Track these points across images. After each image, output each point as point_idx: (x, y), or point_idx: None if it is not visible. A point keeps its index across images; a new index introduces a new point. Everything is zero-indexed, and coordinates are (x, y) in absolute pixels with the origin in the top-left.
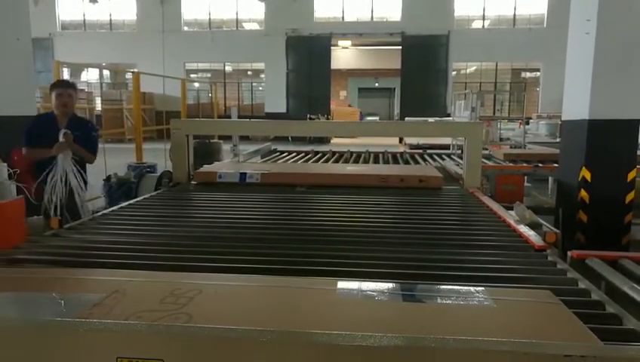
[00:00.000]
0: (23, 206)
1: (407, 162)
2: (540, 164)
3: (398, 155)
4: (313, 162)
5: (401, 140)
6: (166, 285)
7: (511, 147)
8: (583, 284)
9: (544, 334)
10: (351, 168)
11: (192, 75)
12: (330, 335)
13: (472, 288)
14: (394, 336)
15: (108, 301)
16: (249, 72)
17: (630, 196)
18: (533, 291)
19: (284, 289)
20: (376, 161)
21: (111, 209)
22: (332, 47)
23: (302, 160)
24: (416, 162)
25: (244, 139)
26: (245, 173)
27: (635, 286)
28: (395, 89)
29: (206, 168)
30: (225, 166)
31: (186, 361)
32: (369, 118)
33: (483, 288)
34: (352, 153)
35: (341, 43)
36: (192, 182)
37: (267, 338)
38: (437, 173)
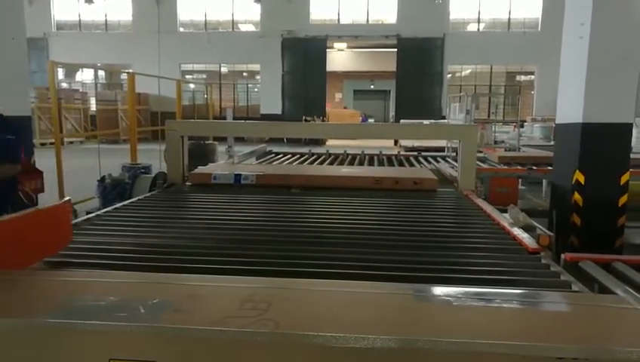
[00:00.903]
0: (70, 208)
1: (401, 164)
2: (534, 167)
3: (393, 157)
4: (308, 164)
5: (396, 143)
6: (239, 290)
7: (505, 150)
8: (576, 287)
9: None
10: (346, 170)
11: (187, 76)
12: (324, 337)
13: (549, 293)
14: (388, 338)
15: (186, 306)
16: (244, 74)
17: (623, 199)
18: (613, 296)
19: (359, 294)
20: (371, 163)
21: (105, 210)
22: (328, 49)
23: (297, 161)
24: (411, 164)
25: (239, 140)
26: (240, 175)
27: (628, 288)
28: (390, 91)
29: (201, 169)
30: (220, 167)
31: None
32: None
33: (563, 292)
34: (347, 155)
35: (337, 45)
36: (187, 183)
37: (260, 339)
38: (432, 176)
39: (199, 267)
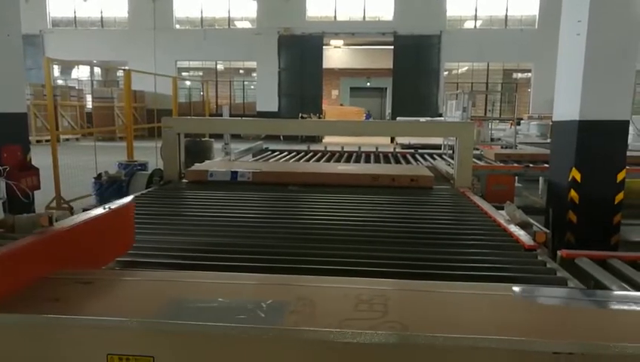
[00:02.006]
0: (133, 209)
1: (397, 161)
2: (531, 165)
3: (390, 154)
4: (305, 161)
5: (392, 140)
6: (345, 290)
7: (502, 147)
8: (572, 283)
9: None
10: (342, 167)
11: (183, 74)
12: (321, 332)
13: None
14: (385, 334)
15: (301, 308)
16: (241, 71)
17: (619, 196)
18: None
19: (455, 294)
20: (367, 160)
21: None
22: (324, 47)
23: (294, 158)
24: (408, 162)
25: (236, 137)
26: (237, 172)
27: (624, 285)
28: (386, 89)
29: (197, 167)
30: (216, 165)
31: (177, 358)
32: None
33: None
34: (343, 152)
35: (333, 42)
36: (184, 181)
37: (258, 335)
38: (428, 173)
39: (200, 264)
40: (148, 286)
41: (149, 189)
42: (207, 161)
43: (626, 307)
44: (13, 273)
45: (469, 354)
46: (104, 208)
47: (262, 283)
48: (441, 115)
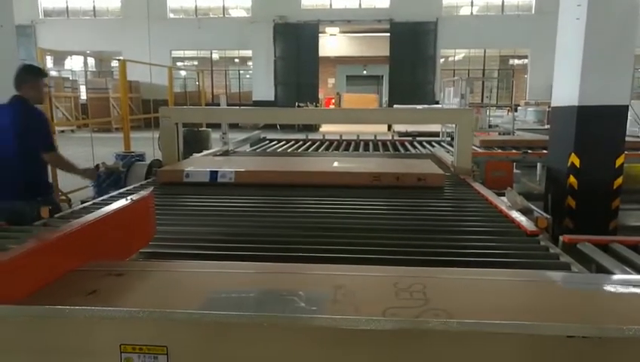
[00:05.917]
0: (153, 200)
1: (396, 148)
2: (529, 151)
3: (389, 143)
4: (304, 150)
5: (389, 128)
6: (379, 279)
7: (500, 133)
8: (575, 268)
9: None
10: (338, 165)
11: (178, 63)
12: (335, 319)
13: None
14: (399, 320)
15: (341, 297)
16: (236, 60)
17: (618, 182)
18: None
19: (492, 282)
20: (366, 149)
21: (101, 198)
22: (320, 34)
23: (292, 148)
24: (406, 150)
25: (233, 127)
26: (216, 172)
27: (627, 269)
28: (383, 76)
29: (173, 166)
30: (195, 162)
31: (190, 347)
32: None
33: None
34: (342, 141)
35: (329, 30)
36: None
37: (271, 322)
38: (438, 170)
39: (202, 254)
40: (180, 276)
41: (149, 180)
42: (183, 161)
43: (635, 290)
44: (46, 266)
45: (482, 340)
46: (127, 199)
47: (294, 273)
48: (437, 103)
